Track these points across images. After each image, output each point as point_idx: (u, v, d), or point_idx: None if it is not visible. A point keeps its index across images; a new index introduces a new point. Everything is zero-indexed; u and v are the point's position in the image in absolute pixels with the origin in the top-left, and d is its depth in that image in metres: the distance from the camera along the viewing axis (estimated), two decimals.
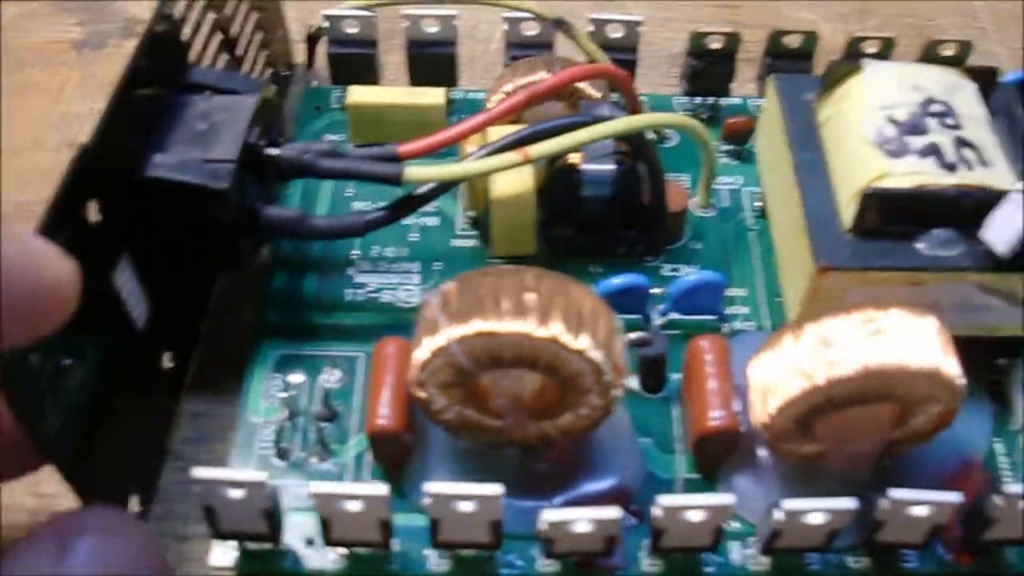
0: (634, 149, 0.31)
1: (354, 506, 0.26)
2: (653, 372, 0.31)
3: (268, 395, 0.31)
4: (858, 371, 0.26)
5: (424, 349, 0.27)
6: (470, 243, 0.34)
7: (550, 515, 0.26)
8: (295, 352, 0.31)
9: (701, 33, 0.35)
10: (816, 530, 0.27)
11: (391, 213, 0.31)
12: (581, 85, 0.33)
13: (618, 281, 0.31)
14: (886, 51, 0.35)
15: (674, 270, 0.33)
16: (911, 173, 0.29)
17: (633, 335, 0.31)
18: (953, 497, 0.27)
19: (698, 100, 0.37)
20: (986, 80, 0.32)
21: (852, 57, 0.34)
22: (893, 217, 0.29)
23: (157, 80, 0.29)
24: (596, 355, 0.26)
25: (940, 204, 0.29)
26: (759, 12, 0.42)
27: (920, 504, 0.27)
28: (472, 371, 0.27)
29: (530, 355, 0.26)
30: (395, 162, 0.30)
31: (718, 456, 0.30)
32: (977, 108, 0.31)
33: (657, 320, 0.32)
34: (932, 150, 0.29)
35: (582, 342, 0.26)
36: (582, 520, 0.26)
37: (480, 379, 0.28)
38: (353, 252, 0.33)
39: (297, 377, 0.31)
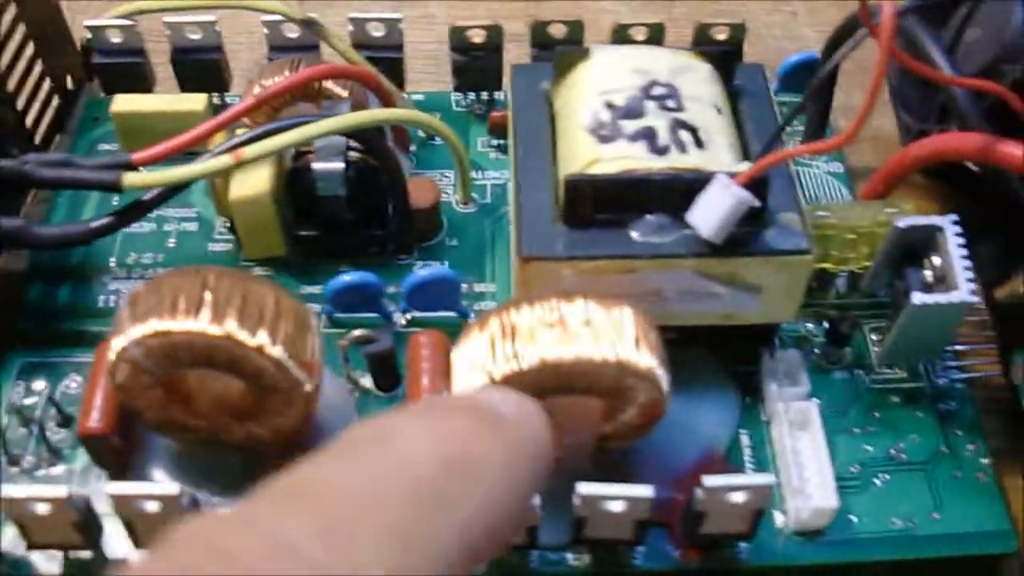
0: (367, 146, 0.31)
1: (42, 508, 0.26)
2: (383, 370, 0.30)
3: (8, 402, 0.31)
4: (533, 365, 0.25)
5: (112, 351, 0.27)
6: (226, 247, 0.34)
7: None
8: (41, 360, 0.32)
9: (460, 27, 0.35)
10: None
11: (118, 220, 0.31)
12: (328, 85, 0.33)
13: (346, 279, 0.31)
14: (655, 36, 0.34)
15: (426, 267, 0.33)
16: (619, 158, 0.28)
17: (356, 333, 0.30)
18: (644, 491, 0.26)
19: (472, 95, 0.37)
20: (726, 62, 0.31)
21: (538, 44, 0.34)
22: (601, 204, 0.28)
23: None
24: (275, 351, 0.26)
25: (648, 189, 0.28)
26: (561, 5, 0.41)
27: (613, 499, 0.26)
28: (154, 371, 0.27)
29: (206, 353, 0.26)
30: (129, 169, 0.31)
31: None
32: (706, 89, 0.30)
33: (400, 318, 0.32)
34: (645, 134, 0.29)
35: (259, 339, 0.26)
36: None
37: (186, 379, 0.28)
38: (111, 259, 0.34)
39: (39, 384, 0.31)
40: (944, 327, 0.30)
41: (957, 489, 0.30)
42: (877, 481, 0.30)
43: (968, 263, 0.29)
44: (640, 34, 0.35)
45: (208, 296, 0.26)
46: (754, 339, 0.31)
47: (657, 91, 0.30)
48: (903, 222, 0.30)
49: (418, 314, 0.32)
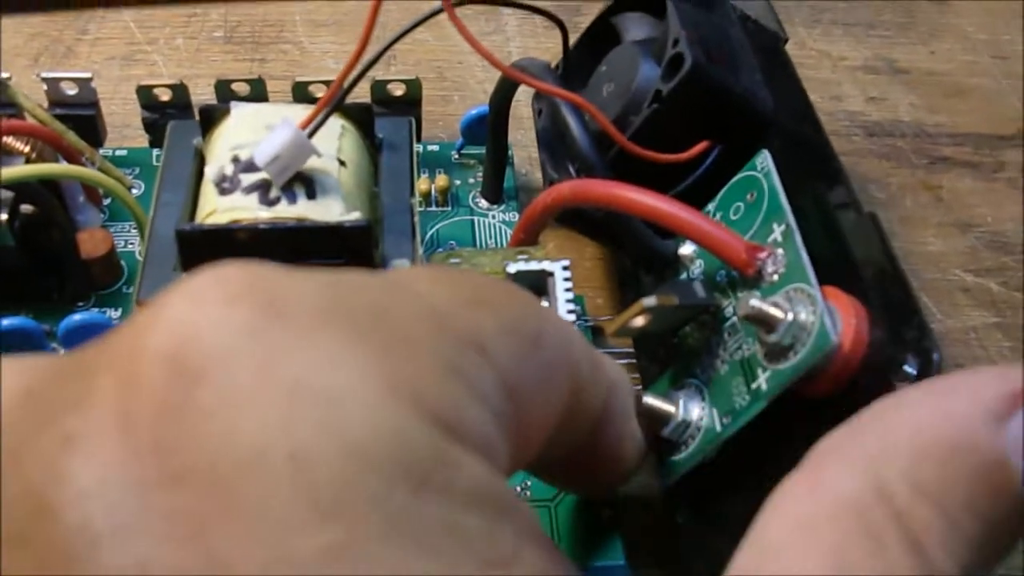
0: (30, 200, 0.33)
1: None
2: None
3: None
4: None
5: None
6: None
7: None
8: None
9: (147, 86, 0.37)
10: None
11: None
12: (9, 140, 0.35)
13: (5, 323, 0.32)
14: (256, 92, 0.36)
15: (102, 312, 0.35)
16: (231, 209, 0.30)
17: None
18: None
19: None
20: (362, 117, 0.33)
21: (223, 101, 0.36)
22: (215, 253, 0.30)
23: None
24: None
25: (254, 238, 0.30)
26: (288, 64, 0.43)
27: None
28: None
29: None
30: None
31: None
32: (333, 144, 0.32)
33: None
34: (259, 186, 0.30)
35: None
36: None
37: None
38: None
39: None
40: None
41: (580, 524, 0.31)
42: None
43: (574, 307, 0.31)
44: (319, 91, 0.36)
45: None
46: None
47: None
48: (512, 267, 0.31)
49: None
